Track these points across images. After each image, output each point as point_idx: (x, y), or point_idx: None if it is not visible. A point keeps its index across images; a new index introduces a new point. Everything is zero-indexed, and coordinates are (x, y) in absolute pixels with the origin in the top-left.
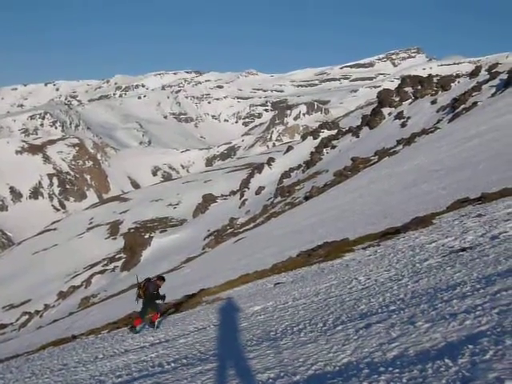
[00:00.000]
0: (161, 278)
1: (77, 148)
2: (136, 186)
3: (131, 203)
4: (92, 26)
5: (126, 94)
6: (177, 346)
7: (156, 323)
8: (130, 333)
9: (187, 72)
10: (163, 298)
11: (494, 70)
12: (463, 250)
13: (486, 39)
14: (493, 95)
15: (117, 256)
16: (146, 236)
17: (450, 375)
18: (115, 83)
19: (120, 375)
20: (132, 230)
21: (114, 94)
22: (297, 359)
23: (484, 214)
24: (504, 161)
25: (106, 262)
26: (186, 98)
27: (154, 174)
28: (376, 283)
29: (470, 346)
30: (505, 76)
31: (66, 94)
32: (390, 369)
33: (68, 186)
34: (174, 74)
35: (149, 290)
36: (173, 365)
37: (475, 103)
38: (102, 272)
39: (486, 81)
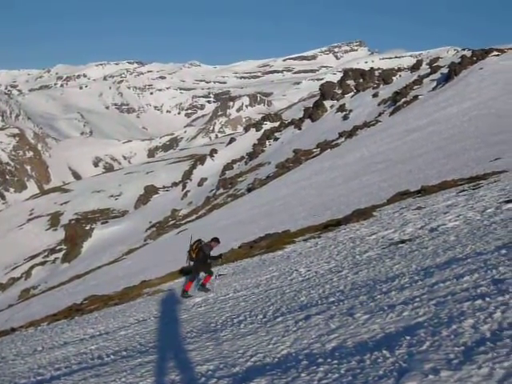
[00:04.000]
0: (215, 240)
1: (17, 138)
2: (77, 176)
3: (72, 194)
4: (33, 14)
5: (67, 84)
6: (117, 338)
7: (207, 285)
8: (183, 298)
9: (129, 62)
10: (219, 257)
11: (434, 64)
12: (403, 242)
13: (427, 34)
14: (433, 89)
15: (57, 247)
16: (87, 227)
17: (387, 366)
18: (56, 73)
19: (59, 368)
20: (73, 222)
21: (56, 84)
22: (236, 351)
23: (423, 207)
24: (444, 154)
25: (46, 254)
26: (129, 88)
27: (96, 164)
28: (316, 275)
29: (408, 337)
30: (445, 70)
31: (6, 84)
32: (329, 360)
33: (8, 177)
34: (116, 64)
35: (203, 252)
36: (112, 357)
37: (416, 97)
38: (42, 263)
39: (427, 75)
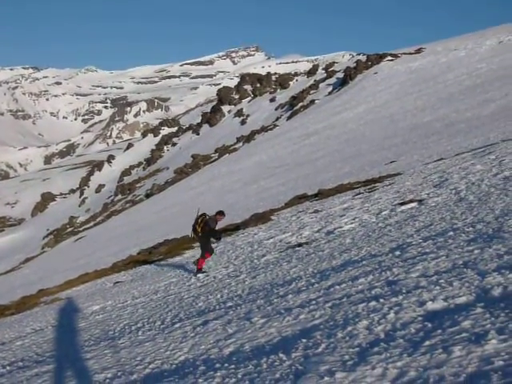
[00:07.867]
0: (221, 213)
1: None
2: None
3: None
4: None
5: None
6: (13, 348)
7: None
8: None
9: (24, 68)
10: (221, 232)
11: (330, 69)
12: (300, 245)
13: (323, 38)
14: (330, 93)
15: None
16: None
17: (284, 369)
18: None
19: None
20: None
21: None
22: (134, 358)
23: (320, 210)
24: (340, 157)
25: None
26: (24, 94)
27: None
28: (214, 280)
29: (304, 340)
30: (341, 75)
31: None
32: (226, 365)
33: None
34: (11, 69)
35: (208, 226)
36: (8, 368)
37: (313, 101)
38: None
39: (323, 79)
